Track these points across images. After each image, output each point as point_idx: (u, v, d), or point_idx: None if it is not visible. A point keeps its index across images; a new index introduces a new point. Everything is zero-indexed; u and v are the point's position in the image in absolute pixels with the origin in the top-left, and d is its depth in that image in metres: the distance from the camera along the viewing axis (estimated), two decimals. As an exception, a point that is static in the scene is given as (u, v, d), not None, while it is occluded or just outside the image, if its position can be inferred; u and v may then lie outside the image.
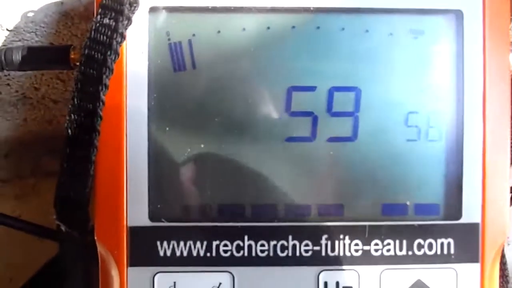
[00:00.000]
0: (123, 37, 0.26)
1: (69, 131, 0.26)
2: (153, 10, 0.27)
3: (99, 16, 0.26)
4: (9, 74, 0.41)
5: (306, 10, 0.28)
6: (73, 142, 0.27)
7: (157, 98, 0.28)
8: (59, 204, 0.28)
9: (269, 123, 0.28)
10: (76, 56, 0.30)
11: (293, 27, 0.28)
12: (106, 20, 0.26)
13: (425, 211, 0.29)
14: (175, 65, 0.28)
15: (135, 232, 0.28)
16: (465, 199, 0.28)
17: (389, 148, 0.29)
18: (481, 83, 0.28)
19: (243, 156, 0.28)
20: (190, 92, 0.28)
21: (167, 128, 0.28)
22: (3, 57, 0.34)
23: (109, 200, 0.27)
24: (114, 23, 0.25)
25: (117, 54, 0.26)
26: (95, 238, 0.28)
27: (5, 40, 0.38)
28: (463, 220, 0.28)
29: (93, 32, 0.26)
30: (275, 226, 0.28)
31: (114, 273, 0.28)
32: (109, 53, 0.25)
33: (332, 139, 0.29)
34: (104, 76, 0.25)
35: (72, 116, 0.26)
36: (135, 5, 0.26)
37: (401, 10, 0.28)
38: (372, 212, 0.29)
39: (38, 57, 0.35)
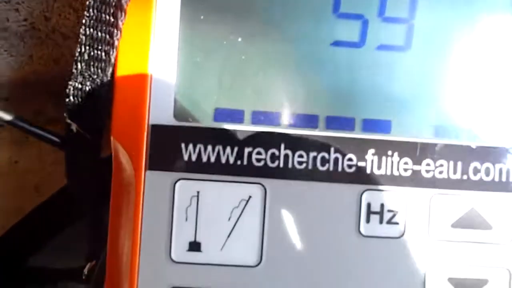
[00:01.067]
0: None
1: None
2: None
3: None
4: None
5: None
6: (94, 21, 0.24)
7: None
8: (73, 94, 0.25)
9: (314, 24, 0.25)
10: None
11: None
12: None
13: (481, 133, 0.26)
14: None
15: (157, 131, 0.24)
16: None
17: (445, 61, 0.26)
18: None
19: (283, 57, 0.25)
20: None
21: (202, 17, 0.25)
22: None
23: (130, 93, 0.24)
24: None
25: None
26: (111, 137, 0.24)
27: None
28: (526, 144, 0.25)
29: None
30: (316, 136, 0.25)
31: (130, 177, 0.24)
32: None
33: (383, 47, 0.26)
34: None
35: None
36: None
37: None
38: (424, 132, 0.26)
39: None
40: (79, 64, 0.25)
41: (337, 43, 0.26)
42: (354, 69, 0.26)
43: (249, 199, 0.24)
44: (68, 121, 0.26)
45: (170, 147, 0.24)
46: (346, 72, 0.26)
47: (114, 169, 0.24)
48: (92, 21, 0.24)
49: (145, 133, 0.24)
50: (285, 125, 0.25)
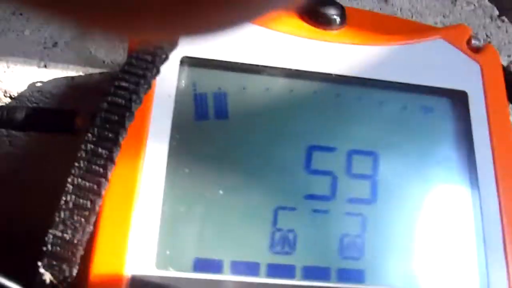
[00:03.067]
0: (158, 70, 0.26)
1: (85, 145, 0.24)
2: (184, 60, 0.28)
3: (135, 53, 0.26)
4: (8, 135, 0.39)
5: (327, 76, 0.29)
6: (82, 169, 0.25)
7: (179, 141, 0.27)
8: (52, 243, 0.24)
9: (289, 178, 0.28)
10: (81, 122, 0.30)
11: (315, 92, 0.30)
12: (143, 55, 0.26)
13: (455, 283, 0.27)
14: (198, 114, 0.28)
15: (137, 282, 0.24)
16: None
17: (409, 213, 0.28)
18: (491, 160, 0.29)
19: (262, 209, 0.27)
20: (212, 141, 0.28)
21: (187, 170, 0.27)
22: (5, 114, 0.33)
23: (111, 240, 0.24)
24: (151, 57, 0.26)
25: (149, 85, 0.26)
26: (88, 284, 0.24)
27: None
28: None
29: (127, 65, 0.26)
30: (295, 286, 0.25)
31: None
32: (142, 82, 0.25)
33: (352, 200, 0.28)
34: (133, 104, 0.25)
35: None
36: (164, 57, 0.27)
37: (411, 86, 0.30)
38: (398, 280, 0.27)
39: (42, 119, 0.34)
40: (62, 212, 0.25)
41: (309, 196, 0.28)
42: (327, 221, 0.27)
43: None
44: (42, 271, 0.25)
45: (149, 298, 0.24)
46: (320, 224, 0.27)
47: (88, 322, 0.23)
48: (81, 172, 0.25)
49: (124, 285, 0.24)
50: (263, 275, 0.26)
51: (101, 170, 0.25)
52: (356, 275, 0.26)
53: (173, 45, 0.27)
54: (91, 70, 0.39)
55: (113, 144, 0.25)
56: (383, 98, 0.30)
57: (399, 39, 0.31)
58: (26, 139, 0.41)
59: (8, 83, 0.38)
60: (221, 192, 0.27)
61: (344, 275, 0.26)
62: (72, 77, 0.39)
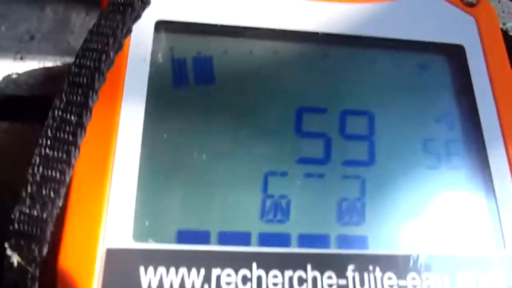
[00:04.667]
0: (129, 29, 0.24)
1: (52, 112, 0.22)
2: (159, 23, 0.26)
3: (105, 12, 0.24)
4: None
5: (314, 36, 0.28)
6: (50, 138, 0.23)
7: (156, 107, 0.25)
8: (19, 220, 0.22)
9: (279, 142, 0.25)
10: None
11: (301, 53, 0.28)
12: (112, 15, 0.24)
13: (463, 241, 0.24)
14: (177, 79, 0.26)
15: (114, 255, 0.21)
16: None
17: (410, 174, 0.26)
18: (494, 111, 0.27)
19: (250, 174, 0.25)
20: (192, 106, 0.26)
21: (165, 135, 0.24)
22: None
23: (84, 213, 0.22)
24: (121, 16, 0.24)
25: (120, 45, 0.24)
26: (59, 262, 0.21)
27: (-20, 101, 0.36)
28: (508, 251, 0.24)
29: (96, 27, 0.24)
30: (291, 253, 0.23)
31: (78, 310, 0.20)
32: (112, 41, 0.23)
33: (348, 163, 0.26)
34: (102, 65, 0.23)
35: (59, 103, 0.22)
36: (136, 15, 0.25)
37: (405, 42, 0.28)
38: (403, 244, 0.24)
39: (14, 106, 0.32)
40: (29, 186, 0.22)
41: (302, 160, 0.25)
42: (322, 185, 0.25)
43: (219, 330, 0.21)
44: (9, 252, 0.22)
45: (127, 272, 0.21)
46: (315, 189, 0.25)
47: (59, 302, 0.21)
48: (49, 141, 0.23)
49: (98, 257, 0.21)
50: (255, 244, 0.23)
51: (70, 137, 0.23)
52: (358, 241, 0.24)
53: (145, 2, 0.25)
54: (69, 60, 0.37)
55: (82, 108, 0.23)
56: (375, 56, 0.28)
57: (389, -5, 0.29)
58: (4, 136, 0.38)
59: (-19, 77, 0.36)
60: (204, 157, 0.24)
61: (345, 241, 0.24)
62: (49, 68, 0.37)
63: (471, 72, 0.28)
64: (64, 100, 0.23)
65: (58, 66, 0.37)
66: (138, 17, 0.25)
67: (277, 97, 0.26)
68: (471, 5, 0.30)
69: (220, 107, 0.26)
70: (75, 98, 0.23)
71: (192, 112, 0.25)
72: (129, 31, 0.24)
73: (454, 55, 0.29)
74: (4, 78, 0.36)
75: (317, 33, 0.28)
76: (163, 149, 0.24)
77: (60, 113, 0.23)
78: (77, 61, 0.24)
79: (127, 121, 0.24)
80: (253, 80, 0.27)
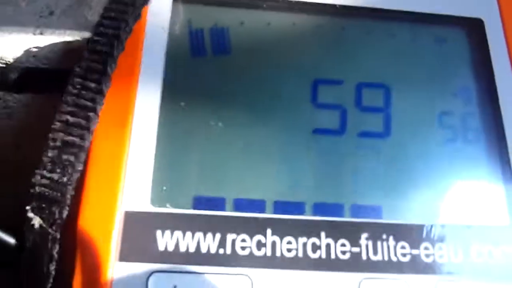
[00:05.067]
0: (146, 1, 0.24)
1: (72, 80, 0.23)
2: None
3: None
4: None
5: (331, 9, 0.27)
6: (70, 104, 0.23)
7: (174, 76, 0.25)
8: (40, 183, 0.23)
9: (295, 113, 0.26)
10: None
11: (318, 25, 0.28)
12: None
13: (475, 212, 0.25)
14: (194, 50, 0.26)
15: (131, 218, 0.22)
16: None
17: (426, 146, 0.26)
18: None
19: (266, 143, 0.25)
20: (210, 77, 0.26)
21: (182, 103, 0.25)
22: (-2, 75, 0.31)
23: (103, 177, 0.23)
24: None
25: (139, 14, 0.24)
26: (78, 224, 0.22)
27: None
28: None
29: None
30: (305, 220, 0.23)
31: (98, 269, 0.21)
32: (131, 10, 0.24)
33: (364, 134, 0.26)
34: (121, 33, 0.23)
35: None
36: None
37: (422, 15, 0.28)
38: (417, 214, 0.24)
39: (36, 79, 0.32)
40: (49, 151, 0.23)
41: (318, 131, 0.25)
42: (337, 156, 0.25)
43: (233, 293, 0.21)
44: (30, 215, 0.23)
45: (145, 236, 0.22)
46: (330, 159, 0.25)
47: (78, 263, 0.21)
48: (69, 107, 0.23)
49: (118, 221, 0.22)
50: (270, 212, 0.23)
51: (90, 104, 0.23)
52: (372, 211, 0.24)
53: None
54: (87, 35, 0.38)
55: (101, 75, 0.23)
56: (392, 30, 0.28)
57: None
58: (25, 110, 0.39)
59: (2, 51, 0.37)
60: (220, 124, 0.25)
61: (359, 211, 0.24)
62: (69, 41, 0.37)
63: (490, 47, 0.28)
64: (84, 67, 0.24)
65: (77, 40, 0.38)
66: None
67: (293, 69, 0.27)
68: (491, -22, 0.29)
69: (237, 78, 0.26)
70: (94, 65, 0.24)
71: (209, 82, 0.26)
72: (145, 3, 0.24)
73: (473, 29, 0.28)
74: (24, 52, 0.37)
75: (335, 5, 0.28)
76: (180, 117, 0.24)
77: (80, 79, 0.24)
78: (97, 29, 0.24)
79: (145, 89, 0.24)
80: (270, 51, 0.27)
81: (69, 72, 0.31)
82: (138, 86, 0.24)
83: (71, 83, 0.24)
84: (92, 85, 0.24)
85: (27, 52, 0.37)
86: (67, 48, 0.37)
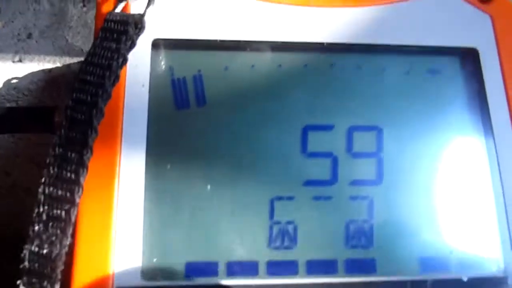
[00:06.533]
0: (125, 59, 0.23)
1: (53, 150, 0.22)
2: (156, 42, 0.25)
3: (99, 40, 0.23)
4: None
5: (318, 46, 0.26)
6: (52, 176, 0.22)
7: (158, 135, 0.24)
8: (29, 259, 0.22)
9: (285, 165, 0.25)
10: (59, 119, 0.28)
11: (306, 65, 0.27)
12: (107, 43, 0.23)
13: (469, 263, 0.24)
14: (178, 102, 0.25)
15: (124, 295, 0.22)
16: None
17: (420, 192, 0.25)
18: (508, 120, 0.26)
19: (256, 202, 0.24)
20: (194, 131, 0.25)
21: (168, 166, 0.24)
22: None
23: (93, 252, 0.22)
24: (115, 45, 0.23)
25: (117, 77, 0.23)
26: (71, 304, 0.22)
27: (-18, 108, 0.35)
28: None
29: (90, 56, 0.23)
30: (298, 284, 0.23)
31: None
32: (108, 74, 0.22)
33: (356, 183, 0.25)
34: (100, 100, 0.22)
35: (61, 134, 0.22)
36: (140, 26, 0.24)
37: (414, 48, 0.27)
38: (410, 267, 0.24)
39: (18, 119, 0.31)
40: (36, 225, 0.23)
41: (309, 183, 0.25)
42: (330, 208, 0.25)
43: None
44: (22, 290, 0.23)
45: (137, 312, 0.22)
46: (323, 212, 0.25)
47: None
48: (51, 179, 0.23)
49: (110, 299, 0.22)
50: (263, 274, 0.23)
51: (72, 176, 0.22)
52: (366, 266, 0.24)
53: (139, 28, 0.24)
54: (69, 60, 0.36)
55: (82, 146, 0.22)
56: (383, 65, 0.27)
57: (397, -4, 0.27)
58: (11, 139, 0.38)
59: (-19, 83, 0.35)
60: (209, 187, 0.24)
61: (353, 266, 0.24)
62: (49, 70, 0.36)
63: (485, 77, 0.27)
64: (64, 137, 0.23)
65: (58, 67, 0.36)
66: (133, 45, 0.23)
67: (282, 114, 0.26)
68: (486, 1, 0.28)
69: (221, 131, 0.25)
70: (74, 135, 0.23)
71: (194, 137, 0.25)
72: (125, 61, 0.23)
73: (467, 59, 0.27)
74: (4, 84, 0.35)
75: (322, 43, 0.26)
76: (166, 180, 0.24)
77: (60, 150, 0.23)
78: (74, 95, 0.23)
79: (129, 155, 0.23)
80: (255, 97, 0.26)
81: (49, 111, 0.30)
82: (122, 152, 0.23)
83: (52, 154, 0.23)
84: (74, 156, 0.23)
85: (7, 84, 0.36)
86: (48, 78, 0.36)
